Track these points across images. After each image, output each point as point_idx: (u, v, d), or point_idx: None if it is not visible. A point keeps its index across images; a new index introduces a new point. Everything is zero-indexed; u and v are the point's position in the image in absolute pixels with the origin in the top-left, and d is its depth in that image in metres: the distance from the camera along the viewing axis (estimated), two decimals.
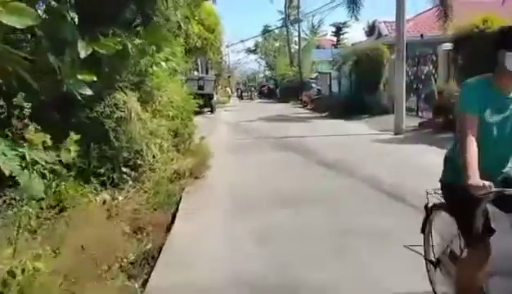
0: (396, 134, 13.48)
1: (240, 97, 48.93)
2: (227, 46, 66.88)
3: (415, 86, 17.78)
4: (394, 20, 25.08)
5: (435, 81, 15.18)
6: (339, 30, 69.64)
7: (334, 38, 68.80)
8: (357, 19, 19.48)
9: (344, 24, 69.21)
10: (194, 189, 7.22)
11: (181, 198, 6.71)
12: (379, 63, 20.10)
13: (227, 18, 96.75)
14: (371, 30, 61.17)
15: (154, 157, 7.29)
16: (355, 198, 6.40)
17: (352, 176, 7.66)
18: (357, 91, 21.36)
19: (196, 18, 19.96)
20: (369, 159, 9.27)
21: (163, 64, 7.53)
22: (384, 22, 24.02)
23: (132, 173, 7.20)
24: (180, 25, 12.16)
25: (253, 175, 8.32)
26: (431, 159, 9.12)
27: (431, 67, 16.12)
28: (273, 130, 15.85)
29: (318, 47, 51.50)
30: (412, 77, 17.98)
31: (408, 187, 6.67)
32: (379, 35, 24.45)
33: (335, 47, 63.32)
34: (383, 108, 19.75)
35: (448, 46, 14.32)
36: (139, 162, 7.27)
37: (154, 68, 7.23)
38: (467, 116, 2.56)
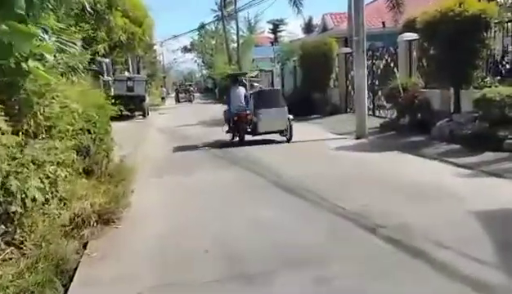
0: (358, 138, 11.60)
1: (177, 99, 41.86)
2: (162, 45, 63.56)
3: (369, 82, 16.08)
4: (339, 12, 23.73)
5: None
6: (276, 27, 68.59)
7: (272, 36, 67.65)
8: (299, 10, 17.58)
9: (281, 21, 68.42)
10: (101, 248, 4.72)
11: (76, 270, 4.21)
12: (328, 58, 18.31)
13: (160, 15, 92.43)
14: (308, 27, 60.65)
15: (34, 199, 4.71)
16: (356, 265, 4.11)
17: (336, 213, 5.40)
18: (304, 89, 19.50)
19: (119, 8, 17.23)
20: (341, 178, 7.18)
21: (48, 57, 4.94)
22: (331, 14, 22.37)
23: (2, 227, 4.64)
24: (84, 6, 9.58)
25: (193, 212, 5.91)
26: (420, 174, 7.23)
27: (389, 60, 14.45)
28: (215, 137, 13.50)
29: (256, 45, 49.59)
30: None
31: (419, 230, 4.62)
32: (325, 29, 22.83)
33: (273, 45, 62.08)
34: (333, 107, 18.06)
35: (410, 36, 12.67)
36: (13, 208, 4.70)
37: (32, 63, 4.64)
38: None
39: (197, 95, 47.58)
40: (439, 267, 3.74)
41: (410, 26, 18.11)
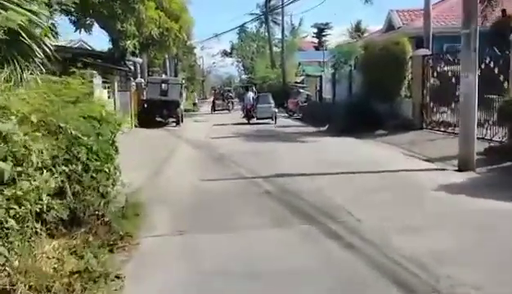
0: (461, 169, 8.31)
1: (213, 107, 33.55)
2: (202, 49, 61.21)
3: (457, 92, 12.73)
4: (409, 9, 20.42)
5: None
6: (321, 31, 65.14)
7: (316, 40, 64.33)
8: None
9: (326, 24, 64.97)
10: None
11: None
12: (399, 61, 14.98)
13: (199, 13, 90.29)
14: (356, 31, 57.43)
15: None
16: None
17: None
18: (365, 98, 16.17)
19: None
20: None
21: None
22: (398, 11, 19.02)
23: None
24: None
25: None
26: None
27: (491, 65, 11.04)
28: (258, 158, 10.50)
29: (300, 50, 46.50)
30: (453, 80, 12.98)
31: None
32: (390, 28, 19.50)
33: (317, 49, 58.73)
34: (404, 121, 14.70)
35: None
36: None
37: None
38: None
39: (236, 100, 44.52)
40: None
41: (503, 25, 14.86)
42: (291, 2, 33.89)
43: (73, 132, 4.47)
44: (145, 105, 21.08)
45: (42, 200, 4.25)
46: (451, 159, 9.42)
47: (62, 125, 4.30)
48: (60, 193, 4.61)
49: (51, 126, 4.31)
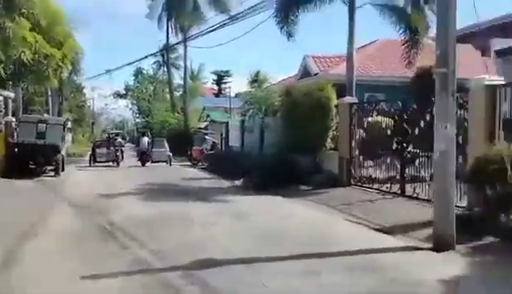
0: (439, 249, 6.34)
1: (92, 158, 23.27)
2: (93, 90, 56.21)
3: (396, 146, 11.18)
4: (325, 55, 19.39)
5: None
6: (220, 79, 64.44)
7: (216, 87, 63.43)
8: (289, 37, 13.32)
9: (226, 72, 64.46)
10: None
11: None
12: (324, 108, 13.37)
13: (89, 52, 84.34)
14: (255, 81, 57.32)
15: None
16: None
17: None
18: (287, 149, 14.25)
19: (25, 12, 11.36)
20: None
21: None
22: (314, 57, 17.75)
23: None
24: None
25: None
26: None
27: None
28: (168, 229, 7.68)
29: (200, 95, 44.58)
30: (388, 132, 11.50)
31: None
32: (306, 74, 18.14)
33: (217, 96, 57.54)
34: (329, 176, 12.95)
35: (494, 80, 7.98)
36: None
37: None
38: None
39: (129, 146, 40.11)
40: None
41: (424, 75, 14.18)
42: (193, 39, 31.47)
43: None
44: (16, 150, 16.99)
45: None
46: (411, 230, 7.63)
47: None
48: None
49: None
